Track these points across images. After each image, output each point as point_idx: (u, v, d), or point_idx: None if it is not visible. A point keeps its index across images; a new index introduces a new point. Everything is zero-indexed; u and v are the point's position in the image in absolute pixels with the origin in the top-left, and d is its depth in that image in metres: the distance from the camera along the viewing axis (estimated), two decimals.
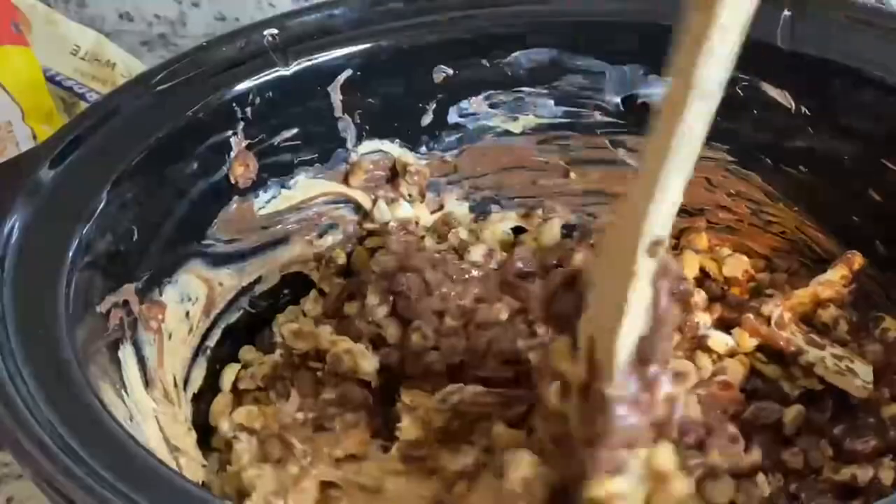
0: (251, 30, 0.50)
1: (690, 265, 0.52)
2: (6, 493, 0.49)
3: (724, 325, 0.50)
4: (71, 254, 0.41)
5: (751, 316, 0.48)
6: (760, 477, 0.43)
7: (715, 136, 0.51)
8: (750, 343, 0.48)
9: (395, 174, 0.55)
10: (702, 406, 0.44)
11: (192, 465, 0.43)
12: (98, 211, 0.43)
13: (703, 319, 0.49)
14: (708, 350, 0.48)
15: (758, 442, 0.44)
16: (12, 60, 0.59)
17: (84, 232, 0.42)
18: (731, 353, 0.48)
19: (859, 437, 0.45)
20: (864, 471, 0.43)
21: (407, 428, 0.45)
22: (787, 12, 0.49)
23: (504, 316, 0.47)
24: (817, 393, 0.47)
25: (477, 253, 0.52)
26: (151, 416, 0.43)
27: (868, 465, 0.43)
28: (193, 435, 0.46)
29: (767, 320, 0.48)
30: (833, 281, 0.50)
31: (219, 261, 0.50)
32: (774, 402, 0.47)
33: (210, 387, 0.50)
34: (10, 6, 0.60)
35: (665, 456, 0.38)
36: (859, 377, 0.46)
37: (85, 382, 0.37)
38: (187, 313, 0.48)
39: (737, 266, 0.53)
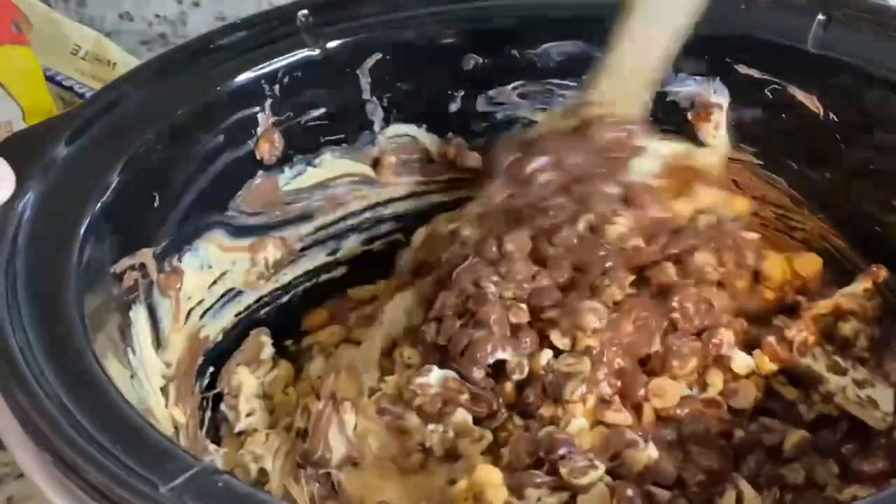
0: (284, 10, 0.51)
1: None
2: (6, 493, 0.50)
3: (747, 344, 0.48)
4: (89, 215, 0.43)
5: (772, 340, 0.47)
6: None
7: (743, 137, 0.52)
8: (769, 366, 0.47)
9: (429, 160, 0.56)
10: (682, 423, 0.45)
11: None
12: (118, 176, 0.44)
13: (727, 338, 0.47)
14: (726, 369, 0.47)
15: (753, 460, 0.44)
16: (12, 60, 0.59)
17: (105, 195, 0.44)
18: (750, 374, 0.47)
19: (867, 458, 0.44)
20: (868, 492, 0.42)
21: (391, 383, 0.46)
22: (820, 16, 0.49)
23: (524, 319, 0.47)
24: (833, 417, 0.46)
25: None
26: (158, 375, 0.45)
27: (873, 488, 0.42)
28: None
29: (790, 344, 0.47)
30: (856, 294, 0.49)
31: (241, 232, 0.51)
32: (784, 423, 0.46)
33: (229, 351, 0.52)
34: (11, 6, 0.61)
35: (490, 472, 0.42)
36: (879, 408, 0.45)
37: (89, 348, 0.38)
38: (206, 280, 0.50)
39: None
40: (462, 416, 0.44)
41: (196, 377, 0.49)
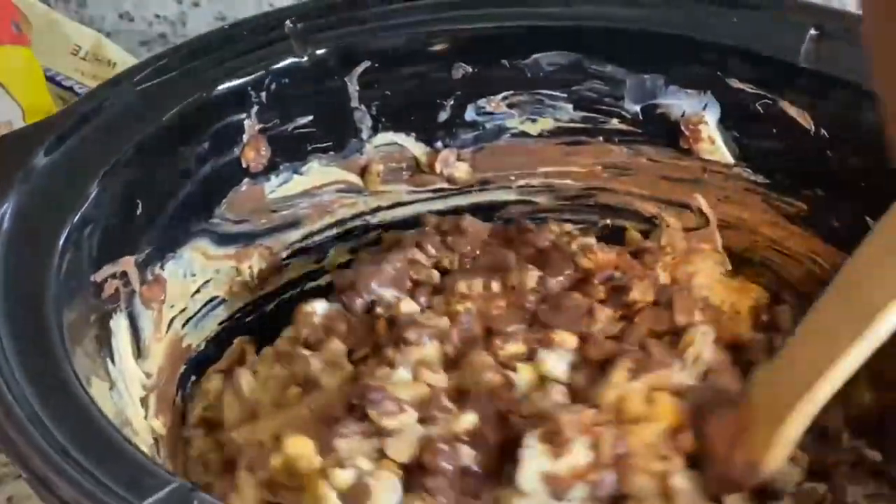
0: (273, 16, 0.51)
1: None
2: (6, 493, 0.50)
3: None
4: (69, 223, 0.42)
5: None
6: None
7: (735, 152, 0.52)
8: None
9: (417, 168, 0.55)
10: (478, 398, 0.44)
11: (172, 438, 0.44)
12: (100, 183, 0.44)
13: (564, 339, 0.47)
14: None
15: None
16: (12, 60, 0.59)
17: (86, 202, 0.43)
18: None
19: None
20: None
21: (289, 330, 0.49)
22: (812, 31, 0.49)
23: (424, 278, 0.49)
24: None
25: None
26: (138, 385, 0.44)
27: None
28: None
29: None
30: None
31: (226, 240, 0.51)
32: None
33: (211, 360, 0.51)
34: (11, 6, 0.61)
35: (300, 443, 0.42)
36: None
37: (66, 358, 0.37)
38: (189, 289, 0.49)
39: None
40: (336, 345, 0.45)
41: (177, 387, 0.48)
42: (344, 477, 0.40)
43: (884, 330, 0.36)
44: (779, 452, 0.41)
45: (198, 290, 0.50)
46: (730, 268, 0.54)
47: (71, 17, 0.70)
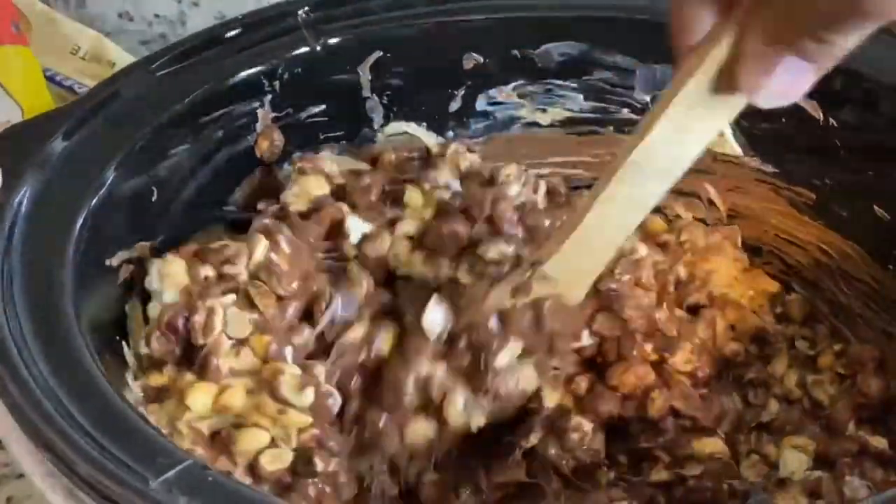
0: (285, 6, 0.51)
1: None
2: (6, 493, 0.50)
3: None
4: (86, 209, 0.43)
5: None
6: None
7: (744, 142, 0.52)
8: None
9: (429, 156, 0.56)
10: None
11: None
12: (116, 170, 0.44)
13: None
14: None
15: None
16: (12, 60, 0.59)
17: (102, 189, 0.44)
18: None
19: None
20: None
21: None
22: None
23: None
24: None
25: None
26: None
27: None
28: None
29: None
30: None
31: (240, 227, 0.51)
32: None
33: None
34: (10, 6, 0.61)
35: None
36: None
37: (83, 341, 0.38)
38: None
39: None
40: None
41: None
42: None
43: None
44: None
45: None
46: (748, 264, 0.54)
47: (71, 17, 0.70)
